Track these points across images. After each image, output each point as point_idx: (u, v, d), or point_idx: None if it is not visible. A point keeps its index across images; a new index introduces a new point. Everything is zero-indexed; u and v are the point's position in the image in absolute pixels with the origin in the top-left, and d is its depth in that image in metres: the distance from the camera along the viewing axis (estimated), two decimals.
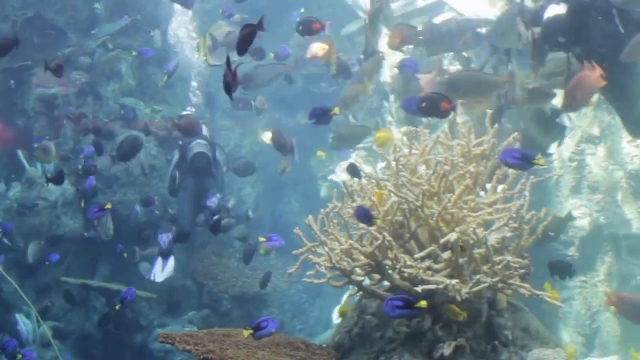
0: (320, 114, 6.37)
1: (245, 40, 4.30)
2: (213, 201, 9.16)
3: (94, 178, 9.19)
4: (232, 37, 8.81)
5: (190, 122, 9.15)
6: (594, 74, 5.94)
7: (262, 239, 7.48)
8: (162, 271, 8.96)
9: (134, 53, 10.65)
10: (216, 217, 8.99)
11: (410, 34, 7.39)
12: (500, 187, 5.10)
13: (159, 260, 9.03)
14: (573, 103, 6.25)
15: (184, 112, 10.24)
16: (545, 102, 6.53)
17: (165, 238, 8.99)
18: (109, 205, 7.97)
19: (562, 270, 6.11)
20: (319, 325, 10.55)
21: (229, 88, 4.44)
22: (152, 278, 8.93)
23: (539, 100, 6.41)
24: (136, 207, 9.77)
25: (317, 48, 8.51)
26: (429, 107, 5.38)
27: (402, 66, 7.06)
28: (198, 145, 9.34)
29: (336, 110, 6.35)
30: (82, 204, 9.33)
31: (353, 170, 5.81)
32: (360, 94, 7.52)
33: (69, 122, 9.94)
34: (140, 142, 8.73)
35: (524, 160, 4.69)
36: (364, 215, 4.78)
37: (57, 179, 8.45)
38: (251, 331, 4.61)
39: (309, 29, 7.16)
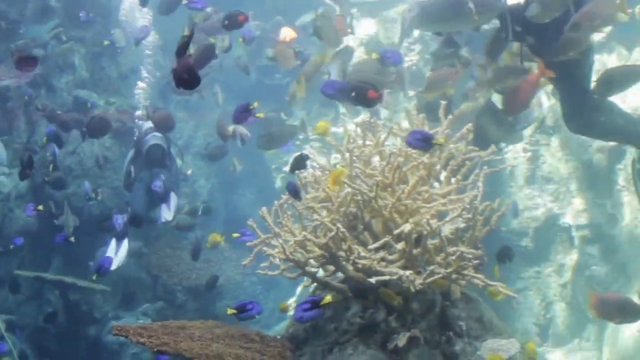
0: (243, 110, 6.47)
1: (182, 50, 4.27)
2: (158, 185, 9.06)
3: (56, 149, 8.99)
4: (210, 21, 8.72)
5: (165, 115, 9.12)
6: (532, 79, 5.98)
7: (235, 235, 7.46)
8: (115, 255, 8.84)
9: (105, 42, 10.51)
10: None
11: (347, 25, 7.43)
12: (454, 178, 5.12)
13: (113, 243, 8.92)
14: (513, 107, 6.30)
15: (141, 104, 10.17)
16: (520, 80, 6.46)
17: (120, 220, 8.89)
18: (40, 207, 7.91)
19: (501, 255, 6.13)
20: (273, 317, 10.51)
21: (181, 81, 4.40)
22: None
23: (511, 78, 6.36)
24: (86, 184, 9.59)
25: (287, 33, 8.48)
26: (357, 95, 5.48)
27: (384, 57, 7.05)
28: (153, 138, 9.26)
29: (255, 105, 6.44)
30: (52, 168, 9.11)
31: (298, 162, 5.79)
32: (297, 93, 7.53)
33: (32, 108, 9.79)
34: (109, 120, 8.70)
35: (424, 141, 4.83)
36: (293, 190, 4.86)
37: (27, 165, 8.25)
38: (235, 311, 4.62)
39: (234, 22, 7.18)
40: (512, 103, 6.37)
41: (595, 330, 8.59)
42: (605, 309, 5.67)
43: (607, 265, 8.72)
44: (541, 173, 9.30)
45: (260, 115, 6.59)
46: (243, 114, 6.59)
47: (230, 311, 4.69)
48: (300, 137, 10.62)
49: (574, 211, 8.96)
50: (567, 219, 8.99)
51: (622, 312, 5.64)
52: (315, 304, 4.55)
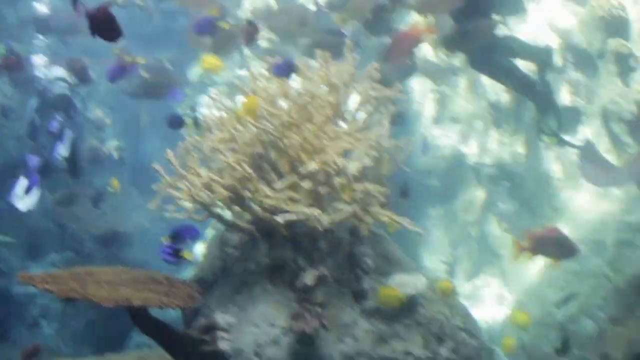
0: (118, 69, 6.51)
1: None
2: (54, 126, 8.88)
3: None
4: None
5: (80, 64, 8.95)
6: (414, 32, 6.01)
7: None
8: (24, 195, 8.64)
9: None
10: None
11: None
12: (360, 117, 5.11)
13: (23, 181, 8.70)
14: (394, 56, 6.33)
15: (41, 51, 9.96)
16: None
17: (34, 160, 8.70)
18: None
19: (400, 191, 6.13)
20: (182, 263, 10.46)
21: (102, 32, 4.29)
22: (13, 202, 8.59)
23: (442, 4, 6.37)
24: None
25: None
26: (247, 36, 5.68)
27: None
28: (59, 87, 9.08)
29: (130, 59, 6.50)
30: None
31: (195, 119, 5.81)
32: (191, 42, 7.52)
33: None
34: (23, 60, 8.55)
35: (285, 70, 5.20)
36: (176, 122, 4.90)
37: None
38: (169, 240, 4.65)
39: None
40: (393, 51, 6.41)
41: (501, 266, 8.74)
42: (542, 245, 5.70)
43: (513, 202, 8.85)
44: (449, 113, 9.37)
45: (142, 60, 6.54)
46: (119, 71, 6.57)
47: (165, 239, 4.70)
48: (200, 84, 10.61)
49: (481, 150, 9.06)
50: (475, 158, 9.09)
51: (559, 248, 5.69)
52: (175, 252, 4.62)
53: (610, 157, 7.83)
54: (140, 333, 4.65)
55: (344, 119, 5.16)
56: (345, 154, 4.75)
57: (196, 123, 5.80)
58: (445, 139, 9.26)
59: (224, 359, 4.56)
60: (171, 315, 6.24)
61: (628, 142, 7.68)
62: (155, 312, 4.49)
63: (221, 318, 4.69)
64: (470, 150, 9.14)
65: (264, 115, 4.82)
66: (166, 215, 4.97)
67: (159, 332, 4.55)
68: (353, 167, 4.70)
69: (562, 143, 7.56)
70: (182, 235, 4.84)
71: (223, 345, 4.59)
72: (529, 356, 7.03)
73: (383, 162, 4.96)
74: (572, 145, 7.60)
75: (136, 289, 4.41)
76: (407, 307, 4.75)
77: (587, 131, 8.22)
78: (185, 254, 4.60)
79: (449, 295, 5.17)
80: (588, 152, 6.66)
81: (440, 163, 9.17)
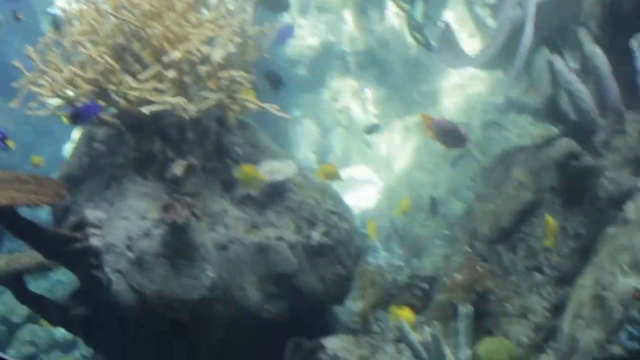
0: None
1: None
2: None
3: None
4: None
5: None
6: None
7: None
8: None
9: None
10: None
11: None
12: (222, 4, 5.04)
13: None
14: None
15: None
16: None
17: None
18: None
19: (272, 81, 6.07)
20: (51, 164, 10.29)
21: None
22: None
23: None
24: None
25: None
26: None
27: None
28: None
29: None
30: None
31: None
32: None
33: None
34: None
35: None
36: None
37: None
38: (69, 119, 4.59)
39: None
40: None
41: (372, 153, 8.83)
42: (440, 133, 5.72)
43: (382, 88, 8.92)
44: (315, 3, 9.30)
45: None
46: None
47: (65, 119, 4.62)
48: None
49: (349, 38, 9.05)
50: (342, 47, 9.08)
51: (453, 137, 5.73)
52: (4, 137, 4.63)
53: (474, 41, 7.93)
54: (12, 239, 4.58)
55: (207, 7, 5.08)
56: (209, 41, 4.69)
57: (55, 21, 5.61)
58: (312, 28, 9.21)
59: (96, 255, 4.53)
60: (42, 218, 6.15)
61: (491, 25, 7.77)
62: (26, 215, 4.42)
63: (91, 214, 4.64)
64: (338, 39, 9.12)
65: (124, 5, 4.70)
66: (28, 113, 4.84)
67: (28, 231, 4.47)
68: (217, 54, 4.64)
69: (428, 47, 7.59)
70: (82, 114, 4.70)
71: (94, 242, 4.56)
72: (401, 238, 7.19)
73: (248, 49, 4.92)
74: (433, 50, 7.63)
75: (1, 188, 4.32)
76: (277, 193, 4.79)
77: (451, 15, 8.29)
78: (9, 142, 4.54)
79: (333, 179, 5.26)
80: (446, 35, 6.69)
81: (308, 52, 9.13)
